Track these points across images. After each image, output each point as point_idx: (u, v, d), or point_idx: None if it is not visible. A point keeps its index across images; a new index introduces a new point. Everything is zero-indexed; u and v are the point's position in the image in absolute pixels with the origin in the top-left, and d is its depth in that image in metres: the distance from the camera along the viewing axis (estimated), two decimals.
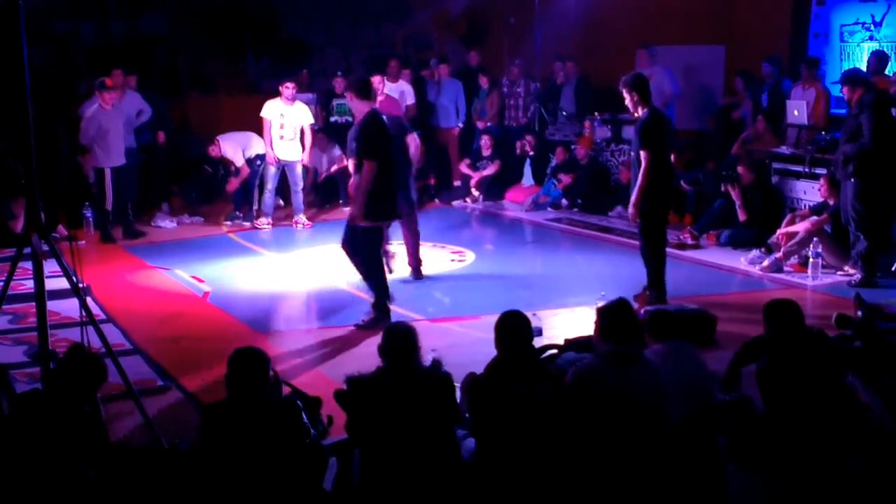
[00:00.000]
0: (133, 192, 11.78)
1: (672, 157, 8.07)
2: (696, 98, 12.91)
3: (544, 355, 5.91)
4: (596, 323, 4.83)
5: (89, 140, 11.05)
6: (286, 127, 11.72)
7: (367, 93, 7.62)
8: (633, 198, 7.83)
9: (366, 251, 7.68)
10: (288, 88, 11.72)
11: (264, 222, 11.96)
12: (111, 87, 11.23)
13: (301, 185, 12.00)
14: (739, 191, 10.22)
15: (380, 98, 9.97)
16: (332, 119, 13.16)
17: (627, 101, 7.93)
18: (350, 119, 13.08)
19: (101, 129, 11.01)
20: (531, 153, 13.43)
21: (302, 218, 11.98)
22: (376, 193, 7.42)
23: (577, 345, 6.07)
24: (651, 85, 12.22)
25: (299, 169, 11.96)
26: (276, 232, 11.81)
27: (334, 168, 13.13)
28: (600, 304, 4.95)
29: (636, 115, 7.92)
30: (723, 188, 10.37)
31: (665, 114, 8.34)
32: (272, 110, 11.72)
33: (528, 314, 4.81)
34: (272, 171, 11.84)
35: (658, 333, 5.04)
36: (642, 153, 7.76)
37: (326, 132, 13.01)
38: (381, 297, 7.68)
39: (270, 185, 11.88)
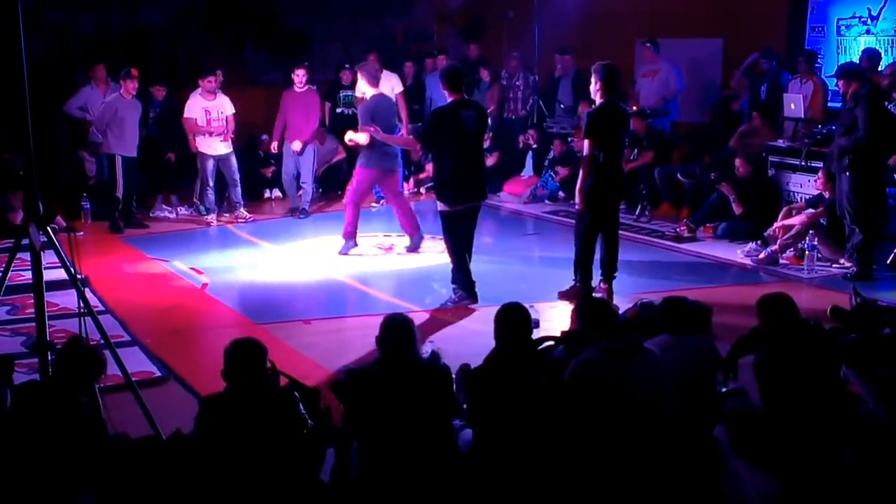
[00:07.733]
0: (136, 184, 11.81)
1: (623, 153, 7.89)
2: (695, 92, 12.89)
3: (541, 347, 5.92)
4: (576, 322, 4.86)
5: (104, 125, 11.09)
6: (213, 122, 11.43)
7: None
8: (577, 185, 7.87)
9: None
10: (210, 82, 11.44)
11: (212, 219, 11.69)
12: (135, 77, 11.22)
13: (238, 178, 11.75)
14: (732, 186, 10.24)
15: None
16: (339, 110, 13.13)
17: (592, 87, 7.84)
18: (356, 111, 13.11)
19: (118, 116, 11.05)
20: (534, 146, 13.40)
21: (243, 212, 11.82)
22: None
23: (574, 337, 6.08)
24: (657, 80, 12.45)
25: (234, 162, 11.71)
26: (275, 224, 11.80)
27: (335, 159, 13.14)
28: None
29: (595, 102, 7.83)
30: (716, 189, 10.39)
31: (623, 109, 8.10)
32: (195, 107, 11.44)
33: (526, 306, 4.83)
34: (210, 166, 11.54)
35: (646, 331, 5.05)
36: (585, 141, 7.75)
37: (332, 123, 12.96)
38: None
39: (210, 181, 11.58)
